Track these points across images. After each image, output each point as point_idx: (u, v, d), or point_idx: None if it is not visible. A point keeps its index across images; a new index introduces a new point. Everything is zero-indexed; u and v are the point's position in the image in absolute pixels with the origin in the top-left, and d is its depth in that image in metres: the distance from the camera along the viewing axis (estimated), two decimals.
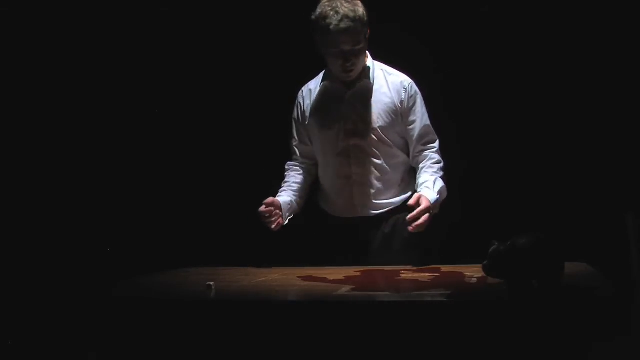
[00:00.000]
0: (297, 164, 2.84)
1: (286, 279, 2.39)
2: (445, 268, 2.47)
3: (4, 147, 3.18)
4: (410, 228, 2.35)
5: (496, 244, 1.88)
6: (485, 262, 1.91)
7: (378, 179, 2.71)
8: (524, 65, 3.19)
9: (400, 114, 2.69)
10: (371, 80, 2.70)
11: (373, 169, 2.71)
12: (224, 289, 2.20)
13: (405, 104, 2.69)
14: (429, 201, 2.41)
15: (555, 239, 1.85)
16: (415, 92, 2.72)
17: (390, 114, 2.68)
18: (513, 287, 1.86)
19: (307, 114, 2.77)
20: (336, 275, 2.35)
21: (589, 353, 1.69)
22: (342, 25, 2.50)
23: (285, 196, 2.73)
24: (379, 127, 2.68)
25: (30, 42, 3.25)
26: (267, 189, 2.90)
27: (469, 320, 1.74)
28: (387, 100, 2.69)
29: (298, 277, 2.35)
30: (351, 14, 2.51)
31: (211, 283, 2.14)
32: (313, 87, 2.80)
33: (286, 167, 2.85)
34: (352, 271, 2.47)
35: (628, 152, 3.08)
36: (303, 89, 2.84)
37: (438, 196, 2.52)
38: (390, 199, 2.73)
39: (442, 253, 2.72)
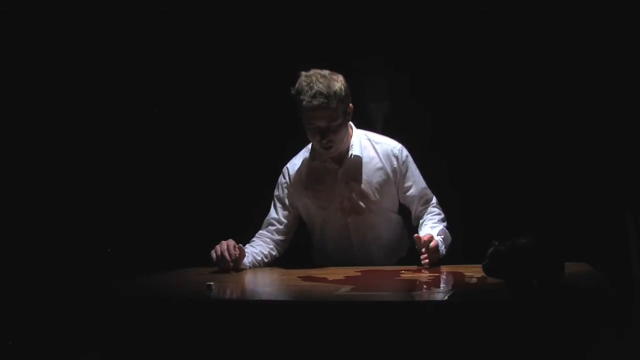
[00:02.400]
0: (268, 236, 2.77)
1: (286, 279, 2.39)
2: (445, 268, 2.47)
3: (4, 147, 3.18)
4: (425, 262, 2.41)
5: (496, 244, 1.89)
6: (485, 262, 1.91)
7: (379, 244, 2.74)
8: (523, 65, 3.19)
9: (394, 182, 2.70)
10: (360, 154, 2.68)
11: (374, 237, 2.73)
12: (224, 289, 2.20)
13: (398, 172, 2.70)
14: (429, 234, 2.46)
15: (555, 239, 1.85)
16: (407, 157, 2.72)
17: (384, 185, 2.69)
18: (513, 287, 1.86)
19: (297, 193, 2.75)
20: (336, 275, 2.35)
21: (589, 353, 1.69)
22: (315, 102, 2.47)
23: (250, 251, 2.66)
24: (375, 200, 2.68)
25: (30, 42, 3.24)
26: (266, 189, 2.91)
27: (469, 320, 1.74)
28: (380, 172, 2.69)
29: (298, 277, 2.35)
30: (325, 90, 2.48)
31: (211, 283, 2.15)
32: (299, 165, 2.76)
33: (257, 235, 2.77)
34: (352, 271, 2.47)
35: (628, 152, 3.07)
36: (288, 166, 2.80)
37: (440, 236, 2.53)
38: (392, 255, 2.76)
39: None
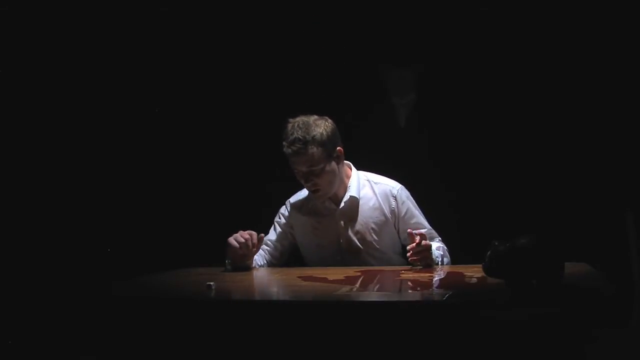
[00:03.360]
0: (262, 254, 2.77)
1: (286, 279, 2.39)
2: (445, 268, 2.47)
3: (4, 147, 3.18)
4: (413, 259, 2.42)
5: (496, 244, 1.89)
6: (485, 262, 1.91)
7: None
8: (524, 65, 3.19)
9: (392, 223, 2.70)
10: (357, 195, 2.68)
11: None
12: (224, 289, 2.21)
13: (397, 213, 2.69)
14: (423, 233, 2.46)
15: (555, 239, 1.85)
16: (406, 198, 2.71)
17: (382, 227, 2.69)
18: (513, 287, 1.86)
19: (296, 229, 2.76)
20: (336, 275, 2.35)
21: (589, 353, 1.69)
22: (293, 148, 2.52)
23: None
24: (372, 241, 2.69)
25: (30, 42, 3.25)
26: (265, 190, 2.91)
27: (469, 320, 1.74)
28: (377, 213, 2.69)
29: (298, 277, 2.35)
30: (302, 136, 2.52)
31: (211, 283, 2.14)
32: (301, 200, 2.76)
33: None
34: (352, 271, 2.47)
35: (628, 152, 3.08)
36: (291, 200, 2.80)
37: (439, 251, 2.54)
38: None
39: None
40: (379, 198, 2.70)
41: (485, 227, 3.02)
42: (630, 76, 3.06)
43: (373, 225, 2.69)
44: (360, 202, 2.69)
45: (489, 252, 1.90)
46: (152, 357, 1.95)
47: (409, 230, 2.50)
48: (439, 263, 2.54)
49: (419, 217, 2.72)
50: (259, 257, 2.75)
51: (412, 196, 2.75)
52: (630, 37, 3.04)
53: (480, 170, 3.24)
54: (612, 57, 3.08)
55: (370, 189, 2.72)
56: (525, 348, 1.70)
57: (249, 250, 2.51)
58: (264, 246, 2.78)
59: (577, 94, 3.14)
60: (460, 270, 2.34)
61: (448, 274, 2.35)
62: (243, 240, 2.49)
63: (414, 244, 2.42)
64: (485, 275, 1.93)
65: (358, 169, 2.79)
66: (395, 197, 2.70)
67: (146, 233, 3.31)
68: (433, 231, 2.72)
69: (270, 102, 3.33)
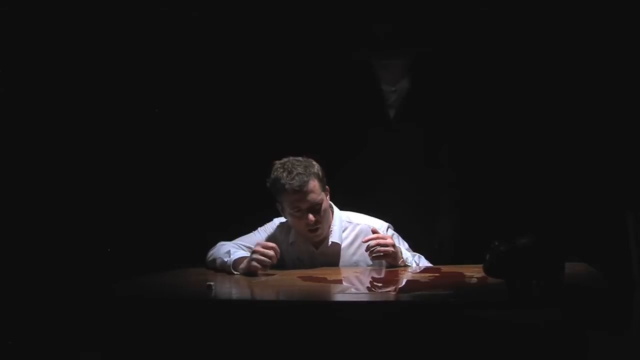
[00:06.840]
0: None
1: (286, 279, 2.39)
2: (445, 268, 2.47)
3: (4, 147, 3.18)
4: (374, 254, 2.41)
5: (496, 244, 1.89)
6: (485, 262, 1.91)
7: None
8: (524, 64, 3.19)
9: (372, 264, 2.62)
10: (339, 241, 2.62)
11: None
12: (224, 289, 2.21)
13: None
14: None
15: (555, 239, 1.85)
16: (391, 238, 2.58)
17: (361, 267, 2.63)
18: (513, 287, 1.86)
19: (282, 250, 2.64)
20: (336, 275, 2.35)
21: (588, 352, 1.69)
22: (296, 181, 2.47)
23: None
24: None
25: (30, 42, 3.24)
26: (264, 189, 2.91)
27: (469, 320, 1.74)
28: (357, 257, 2.62)
29: (298, 277, 2.36)
30: (304, 171, 2.48)
31: (211, 283, 2.15)
32: (286, 230, 2.67)
33: (231, 245, 2.66)
34: (352, 271, 2.47)
35: (628, 152, 3.08)
36: (280, 225, 2.70)
37: (416, 255, 2.55)
38: None
39: (442, 253, 2.72)
40: (358, 242, 2.62)
41: (484, 227, 3.02)
42: (630, 76, 3.06)
43: (353, 267, 2.63)
44: (342, 247, 2.63)
45: (489, 253, 1.90)
46: (152, 357, 1.95)
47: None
48: (415, 263, 2.53)
49: (405, 253, 2.60)
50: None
51: (412, 198, 2.71)
52: (630, 37, 3.04)
53: (481, 169, 3.24)
54: (612, 57, 3.08)
55: (350, 231, 2.65)
56: (526, 348, 1.70)
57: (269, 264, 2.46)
58: (240, 250, 2.65)
59: (577, 94, 3.14)
60: (460, 270, 2.34)
61: (448, 274, 2.35)
62: (269, 261, 2.42)
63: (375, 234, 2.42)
64: (485, 275, 1.93)
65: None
66: None
67: (146, 233, 3.30)
68: (417, 258, 2.63)
69: (268, 103, 3.33)
